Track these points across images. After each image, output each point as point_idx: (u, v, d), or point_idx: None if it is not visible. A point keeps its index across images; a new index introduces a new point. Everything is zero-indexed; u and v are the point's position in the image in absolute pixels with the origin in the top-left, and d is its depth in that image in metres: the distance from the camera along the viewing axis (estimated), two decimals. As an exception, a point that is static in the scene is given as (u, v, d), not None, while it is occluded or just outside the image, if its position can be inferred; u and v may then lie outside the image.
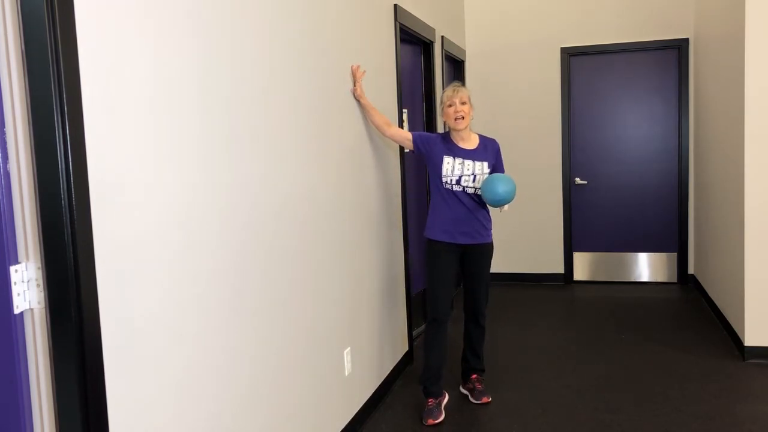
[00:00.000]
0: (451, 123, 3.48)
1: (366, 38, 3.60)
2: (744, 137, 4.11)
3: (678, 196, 6.09)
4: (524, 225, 6.42)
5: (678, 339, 4.61)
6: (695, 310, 5.30)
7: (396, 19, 4.11)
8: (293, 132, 2.67)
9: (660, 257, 6.21)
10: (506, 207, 3.46)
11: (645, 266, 6.25)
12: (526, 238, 6.43)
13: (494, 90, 6.35)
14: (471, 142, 3.54)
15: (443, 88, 5.25)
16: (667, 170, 6.10)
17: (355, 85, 3.40)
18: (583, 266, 6.38)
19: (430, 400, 3.52)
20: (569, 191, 6.30)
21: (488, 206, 3.54)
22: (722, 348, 4.40)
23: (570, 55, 6.19)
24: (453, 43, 5.63)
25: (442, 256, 3.51)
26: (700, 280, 5.82)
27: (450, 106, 3.47)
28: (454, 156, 3.49)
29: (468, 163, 3.49)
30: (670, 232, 6.16)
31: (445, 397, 3.61)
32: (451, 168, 3.48)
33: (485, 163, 3.51)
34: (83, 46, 1.55)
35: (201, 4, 2.05)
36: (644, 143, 6.13)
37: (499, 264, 6.54)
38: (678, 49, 5.97)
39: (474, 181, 3.48)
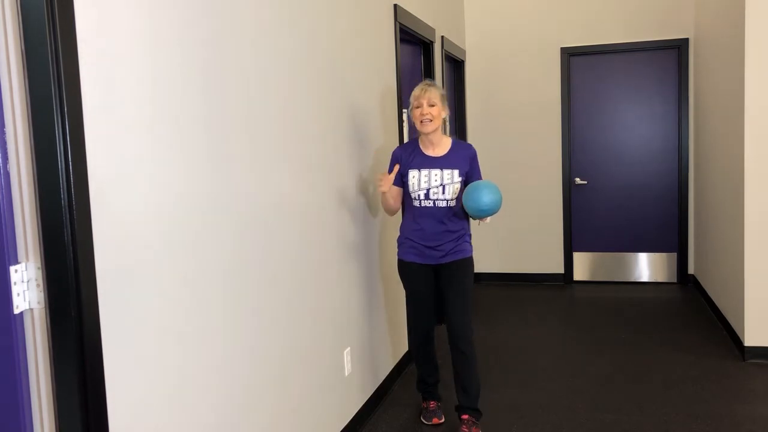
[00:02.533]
0: (418, 126, 3.17)
1: (366, 38, 3.60)
2: (744, 137, 4.11)
3: (678, 196, 6.09)
4: (524, 225, 6.42)
5: (678, 339, 4.61)
6: (695, 310, 5.30)
7: (396, 19, 4.11)
8: (293, 133, 2.67)
9: (660, 257, 6.21)
10: (488, 219, 3.07)
11: (645, 266, 6.25)
12: (526, 238, 6.43)
13: (494, 90, 6.35)
14: (440, 148, 3.21)
15: (442, 88, 5.24)
16: (667, 170, 6.10)
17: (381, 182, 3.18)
18: (583, 266, 6.38)
19: (431, 402, 3.49)
20: (569, 191, 6.30)
21: (469, 217, 3.21)
22: (722, 348, 4.40)
23: (570, 55, 6.19)
24: (453, 43, 5.63)
25: (414, 276, 3.29)
26: (700, 280, 5.82)
27: (417, 107, 3.15)
28: (420, 167, 3.19)
29: (435, 172, 3.17)
30: (670, 232, 6.16)
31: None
32: (417, 182, 3.18)
33: (455, 171, 3.17)
34: (83, 46, 1.55)
35: (200, 5, 2.05)
36: (644, 143, 6.13)
37: (499, 264, 6.54)
38: (678, 49, 5.97)
39: (444, 192, 3.16)
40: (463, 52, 6.15)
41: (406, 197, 3.28)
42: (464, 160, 3.21)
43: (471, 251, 3.30)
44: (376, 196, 3.71)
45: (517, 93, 6.31)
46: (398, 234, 4.14)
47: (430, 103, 3.14)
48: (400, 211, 4.11)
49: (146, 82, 1.78)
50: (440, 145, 3.23)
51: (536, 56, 6.24)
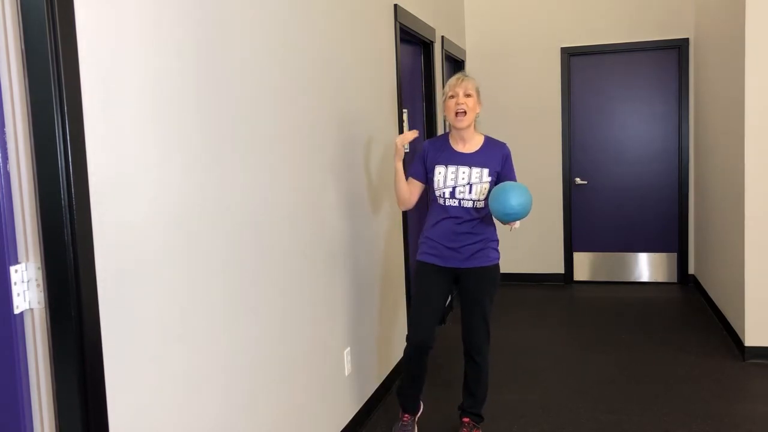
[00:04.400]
0: (451, 118, 2.98)
1: (366, 38, 3.60)
2: (744, 137, 4.11)
3: (678, 196, 6.09)
4: (524, 225, 6.41)
5: (678, 339, 4.61)
6: (695, 310, 5.30)
7: (396, 19, 4.11)
8: (293, 133, 2.67)
9: (660, 257, 6.21)
10: (517, 224, 2.86)
11: (645, 266, 6.25)
12: (526, 238, 6.42)
13: (494, 90, 6.35)
14: (472, 145, 3.03)
15: (443, 88, 5.24)
16: (667, 170, 6.10)
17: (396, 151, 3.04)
18: (583, 266, 6.38)
19: (405, 416, 3.24)
20: (569, 191, 6.30)
21: (497, 222, 3.01)
22: (722, 348, 4.40)
23: (570, 55, 6.19)
24: (453, 43, 5.63)
25: (426, 279, 3.06)
26: (700, 280, 5.82)
27: (452, 97, 2.97)
28: (447, 164, 3.01)
29: (463, 169, 2.98)
30: (670, 232, 6.16)
31: (420, 409, 3.33)
32: (443, 178, 3.00)
33: (485, 170, 2.98)
34: (83, 46, 1.55)
35: (200, 6, 2.05)
36: (644, 143, 6.13)
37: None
38: (678, 49, 5.97)
39: (471, 191, 2.96)
40: (463, 52, 6.15)
41: (432, 194, 3.08)
42: (496, 158, 3.01)
43: (497, 258, 3.12)
44: (376, 196, 3.71)
45: (518, 93, 6.31)
46: (400, 233, 4.15)
47: (466, 93, 2.96)
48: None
49: (146, 82, 1.78)
50: (471, 141, 3.04)
51: (536, 56, 6.24)
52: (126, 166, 1.70)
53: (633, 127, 6.14)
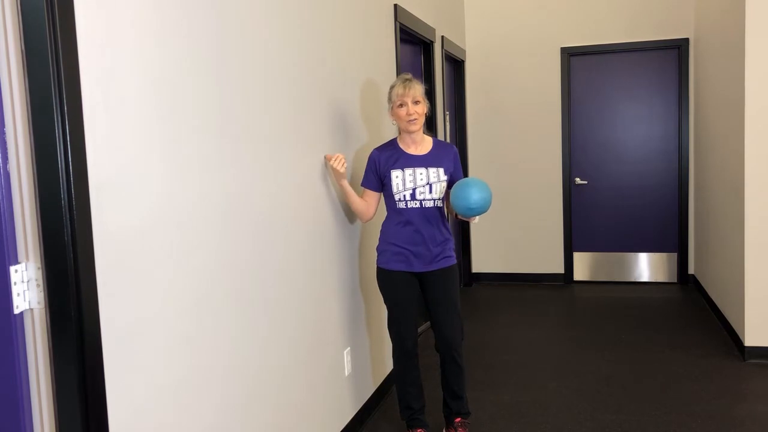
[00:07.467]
0: (403, 126, 2.98)
1: (366, 38, 3.60)
2: (744, 137, 4.11)
3: (678, 196, 6.09)
4: (524, 225, 6.42)
5: (678, 339, 4.61)
6: (695, 310, 5.30)
7: (396, 19, 4.11)
8: (293, 135, 2.67)
9: (660, 257, 6.21)
10: (477, 219, 2.94)
11: (645, 266, 6.25)
12: (526, 238, 6.43)
13: (494, 90, 6.35)
14: (423, 147, 3.04)
15: (443, 88, 5.25)
16: (667, 170, 6.10)
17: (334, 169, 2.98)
18: (583, 266, 6.38)
19: (418, 430, 3.20)
20: (569, 191, 6.30)
21: (458, 216, 2.99)
22: (722, 348, 4.40)
23: (570, 55, 6.19)
24: (453, 43, 5.63)
25: (398, 287, 3.04)
26: (700, 280, 5.82)
27: (401, 106, 2.95)
28: (403, 167, 2.99)
29: (420, 171, 2.99)
30: (670, 232, 6.16)
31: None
32: (402, 182, 2.98)
33: (441, 170, 3.01)
34: (83, 46, 1.55)
35: (201, 5, 2.05)
36: (644, 143, 6.13)
37: (499, 264, 6.54)
38: (678, 49, 5.97)
39: (431, 191, 2.99)
40: (463, 52, 6.16)
41: (389, 200, 3.06)
42: (448, 158, 3.06)
43: (455, 258, 3.15)
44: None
45: (517, 93, 6.31)
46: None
47: (415, 101, 2.95)
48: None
49: (147, 82, 1.78)
50: (422, 143, 3.05)
51: (536, 56, 6.24)
52: (126, 166, 1.70)
53: (633, 127, 6.14)
